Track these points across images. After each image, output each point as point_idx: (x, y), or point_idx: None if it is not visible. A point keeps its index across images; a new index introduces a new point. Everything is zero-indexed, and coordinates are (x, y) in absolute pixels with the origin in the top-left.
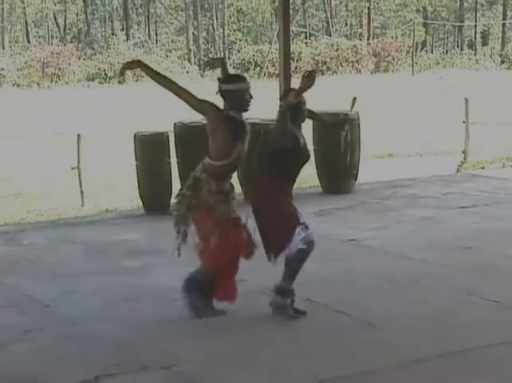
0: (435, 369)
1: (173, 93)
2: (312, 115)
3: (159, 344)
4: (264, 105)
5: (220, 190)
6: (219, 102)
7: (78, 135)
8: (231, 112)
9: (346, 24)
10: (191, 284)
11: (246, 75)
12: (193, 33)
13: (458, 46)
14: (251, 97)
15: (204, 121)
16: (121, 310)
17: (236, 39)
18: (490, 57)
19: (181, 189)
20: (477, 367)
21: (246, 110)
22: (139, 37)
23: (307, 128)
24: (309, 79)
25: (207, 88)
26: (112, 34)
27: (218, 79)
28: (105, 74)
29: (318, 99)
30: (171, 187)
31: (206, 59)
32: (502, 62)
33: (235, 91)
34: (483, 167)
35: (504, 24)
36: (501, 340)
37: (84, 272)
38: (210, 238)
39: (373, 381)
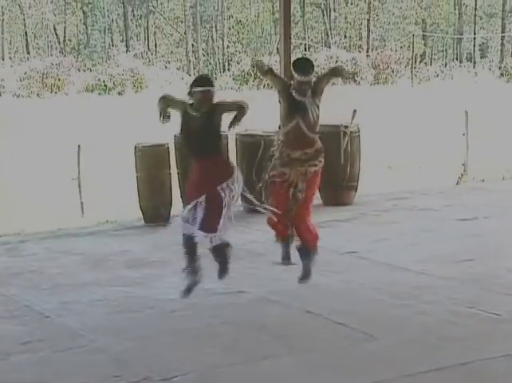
0: (435, 381)
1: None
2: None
3: (160, 355)
4: (263, 117)
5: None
6: None
7: (78, 146)
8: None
9: (345, 36)
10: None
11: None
12: (192, 45)
13: (457, 59)
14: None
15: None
16: (121, 322)
17: (235, 51)
18: (489, 69)
19: None
20: (477, 380)
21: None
22: (139, 49)
23: None
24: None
25: None
26: (112, 45)
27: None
28: (105, 85)
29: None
30: (172, 198)
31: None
32: (502, 75)
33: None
34: (483, 180)
35: (503, 37)
36: (501, 352)
37: (85, 283)
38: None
39: None
